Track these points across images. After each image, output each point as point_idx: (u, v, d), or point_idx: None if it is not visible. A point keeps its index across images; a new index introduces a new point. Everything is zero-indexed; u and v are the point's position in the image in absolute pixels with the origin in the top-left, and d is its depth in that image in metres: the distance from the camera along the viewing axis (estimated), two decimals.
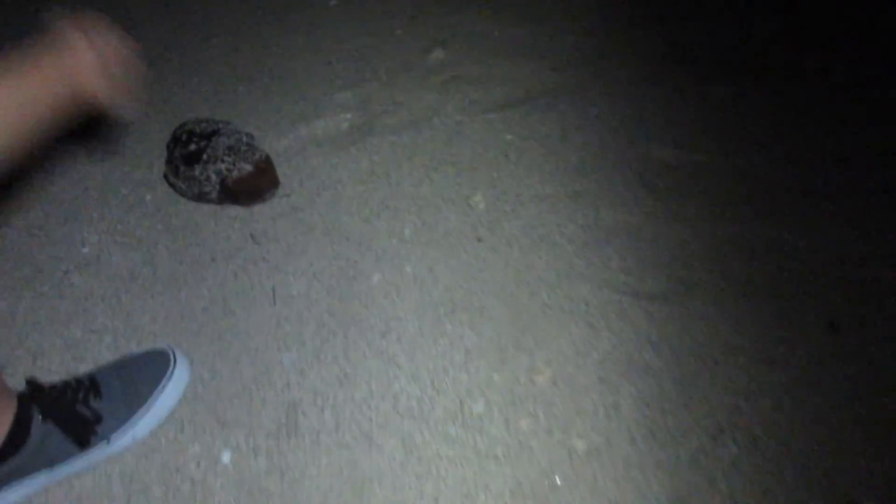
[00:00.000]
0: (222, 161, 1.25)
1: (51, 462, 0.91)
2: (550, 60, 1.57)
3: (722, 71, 1.54)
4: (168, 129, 1.37)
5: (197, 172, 1.26)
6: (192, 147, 1.27)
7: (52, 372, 1.09)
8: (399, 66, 1.59)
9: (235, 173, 1.25)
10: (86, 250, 1.28)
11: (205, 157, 1.25)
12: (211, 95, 1.56)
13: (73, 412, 0.92)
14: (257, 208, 1.32)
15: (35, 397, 0.90)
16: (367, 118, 1.48)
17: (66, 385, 0.95)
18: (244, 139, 1.28)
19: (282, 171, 1.37)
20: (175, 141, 1.31)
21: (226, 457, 0.99)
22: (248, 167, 1.26)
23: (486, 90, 1.51)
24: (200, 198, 1.32)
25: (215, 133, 1.28)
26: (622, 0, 1.72)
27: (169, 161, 1.31)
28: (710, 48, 1.59)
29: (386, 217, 1.30)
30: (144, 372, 1.02)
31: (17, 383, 0.94)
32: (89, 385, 0.96)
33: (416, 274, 1.21)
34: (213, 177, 1.26)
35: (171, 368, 1.02)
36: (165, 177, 1.35)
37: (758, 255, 1.21)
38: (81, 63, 0.74)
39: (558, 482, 0.96)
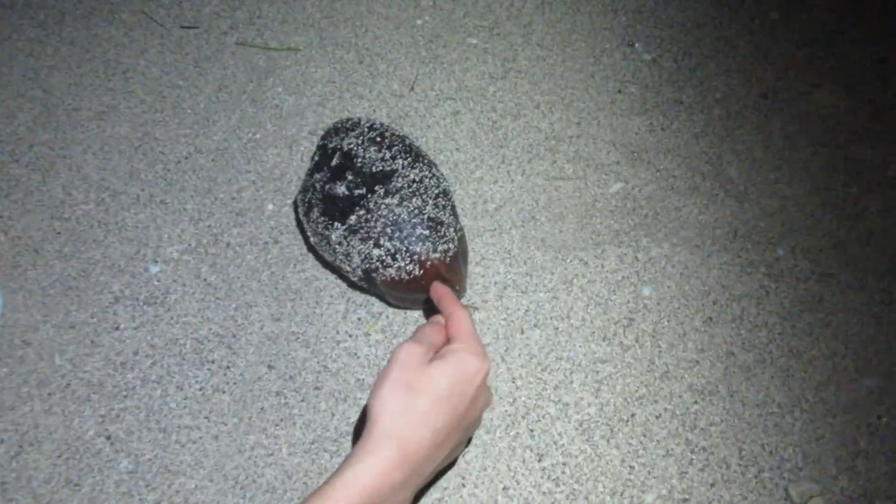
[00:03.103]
0: (377, 244, 0.67)
1: None
2: None
3: None
4: (361, 98, 0.78)
5: (334, 237, 0.70)
6: (341, 190, 0.69)
7: None
8: None
9: (391, 273, 0.68)
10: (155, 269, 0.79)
11: (353, 219, 0.68)
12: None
13: None
14: (417, 313, 0.76)
15: None
16: None
17: None
18: (429, 211, 0.68)
19: (482, 255, 0.77)
20: (322, 156, 0.74)
21: None
22: (414, 269, 0.67)
23: None
24: (333, 269, 0.77)
25: (388, 179, 0.69)
26: None
27: (305, 188, 0.74)
28: None
29: None
30: None
31: None
32: None
33: None
34: (356, 259, 0.69)
35: None
36: (295, 206, 0.80)
37: None
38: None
39: None
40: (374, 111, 0.91)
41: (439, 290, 0.65)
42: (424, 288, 0.69)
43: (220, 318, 0.76)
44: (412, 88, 0.93)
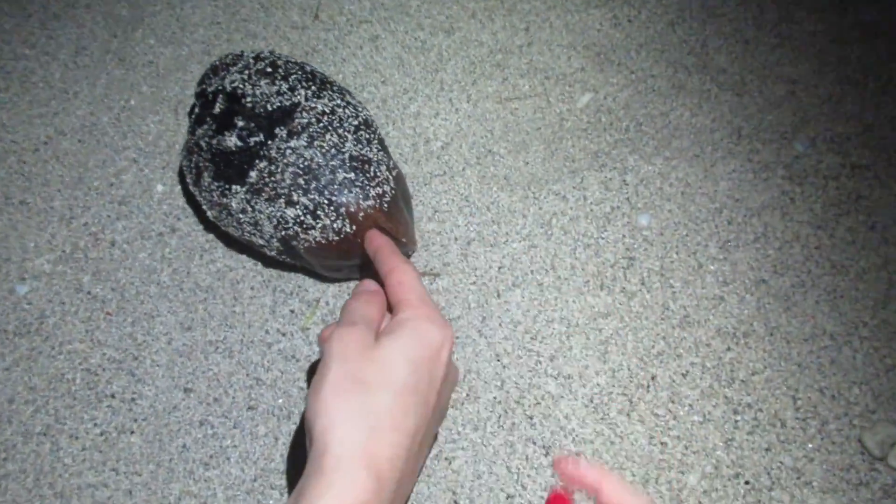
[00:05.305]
0: (290, 201, 0.50)
1: None
2: None
3: None
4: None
5: (235, 204, 0.53)
6: (232, 141, 0.52)
7: None
8: None
9: (315, 235, 0.51)
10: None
11: (254, 175, 0.51)
12: None
13: None
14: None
15: None
16: None
17: None
18: (350, 148, 0.52)
19: (433, 207, 0.61)
20: (203, 105, 0.56)
21: None
22: (344, 225, 0.50)
23: None
24: (245, 247, 0.60)
25: (290, 116, 0.52)
26: None
27: (188, 150, 0.57)
28: None
29: None
30: None
31: None
32: None
33: None
34: (268, 226, 0.52)
35: None
36: (181, 176, 0.63)
37: None
38: None
39: None
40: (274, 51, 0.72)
41: (375, 241, 0.50)
42: (362, 247, 0.52)
43: (115, 339, 0.59)
44: (316, 16, 0.75)
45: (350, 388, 0.38)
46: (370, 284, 0.47)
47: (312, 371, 0.56)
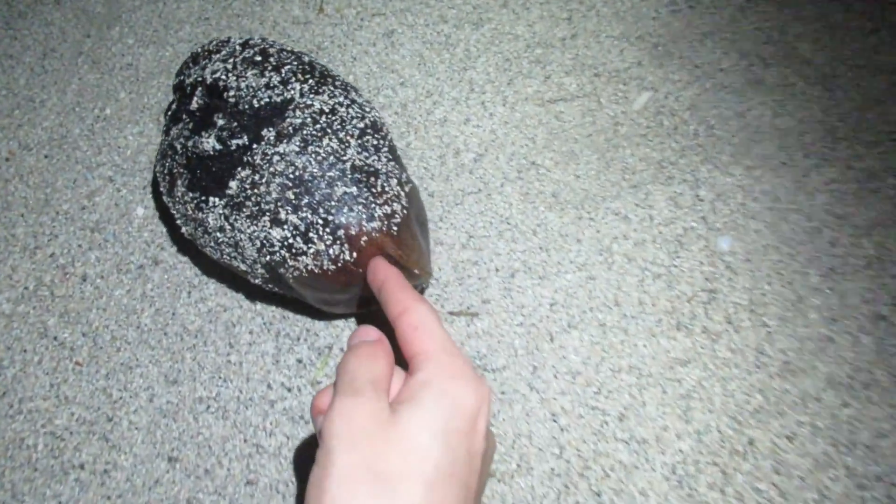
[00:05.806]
0: (276, 220, 0.40)
1: None
2: None
3: None
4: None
5: (212, 220, 0.42)
6: (210, 144, 0.42)
7: None
8: None
9: (306, 262, 0.41)
10: None
11: (234, 186, 0.41)
12: None
13: None
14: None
15: None
16: None
17: None
18: (353, 156, 0.42)
19: (468, 231, 0.50)
20: (181, 99, 0.46)
21: None
22: (342, 251, 0.40)
23: None
24: (226, 266, 0.49)
25: (280, 114, 0.42)
26: None
27: (162, 153, 0.47)
28: None
29: None
30: None
31: None
32: None
33: None
34: (250, 249, 0.41)
35: None
36: (155, 184, 0.53)
37: None
38: None
39: None
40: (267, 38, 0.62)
41: (381, 272, 0.39)
42: (364, 279, 0.41)
43: (86, 395, 0.49)
44: (321, 9, 0.64)
45: (366, 484, 0.28)
46: (369, 332, 0.36)
47: (306, 448, 0.46)
